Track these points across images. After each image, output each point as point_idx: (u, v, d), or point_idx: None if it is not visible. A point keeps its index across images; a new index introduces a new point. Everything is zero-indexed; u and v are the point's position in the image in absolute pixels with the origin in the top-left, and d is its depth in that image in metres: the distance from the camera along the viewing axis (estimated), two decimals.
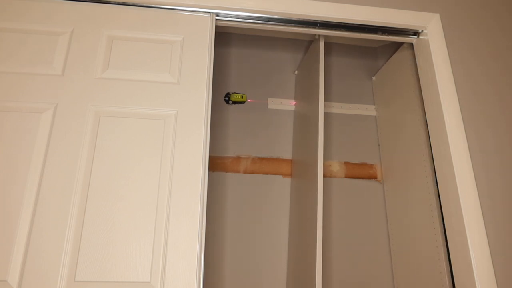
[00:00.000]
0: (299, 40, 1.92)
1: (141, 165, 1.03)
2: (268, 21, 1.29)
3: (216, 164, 1.67)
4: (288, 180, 1.71)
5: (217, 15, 1.26)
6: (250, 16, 1.27)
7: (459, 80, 1.27)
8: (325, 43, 1.96)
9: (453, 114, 1.22)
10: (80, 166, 1.00)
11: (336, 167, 1.75)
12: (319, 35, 1.54)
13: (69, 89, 1.08)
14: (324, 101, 1.85)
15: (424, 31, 1.34)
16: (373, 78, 1.93)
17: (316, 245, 1.21)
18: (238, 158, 1.71)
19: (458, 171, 1.14)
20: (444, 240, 1.21)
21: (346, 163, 1.77)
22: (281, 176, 1.72)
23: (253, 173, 1.70)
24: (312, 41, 1.68)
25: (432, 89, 1.29)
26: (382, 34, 1.37)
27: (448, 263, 1.18)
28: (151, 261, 0.94)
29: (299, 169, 1.61)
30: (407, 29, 1.35)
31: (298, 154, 1.66)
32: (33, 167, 0.98)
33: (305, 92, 1.66)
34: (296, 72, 1.89)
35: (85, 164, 1.01)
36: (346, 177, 1.75)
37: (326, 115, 1.84)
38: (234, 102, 1.78)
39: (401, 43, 1.58)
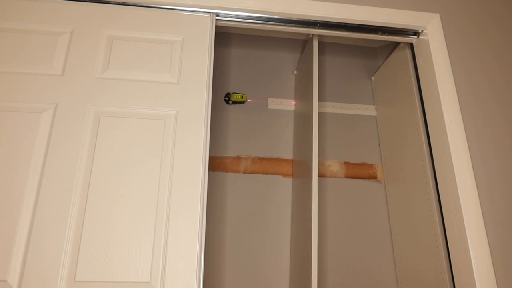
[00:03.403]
0: (297, 40, 1.92)
1: (141, 165, 1.03)
2: (268, 21, 1.29)
3: (216, 164, 1.67)
4: (288, 180, 1.71)
5: (217, 15, 1.26)
6: (250, 16, 1.27)
7: (459, 80, 1.27)
8: (325, 43, 1.97)
9: (453, 114, 1.22)
10: (80, 166, 1.00)
11: (336, 167, 1.75)
12: (312, 35, 1.53)
13: (69, 89, 1.08)
14: (324, 101, 1.86)
15: (424, 31, 1.34)
16: (372, 78, 1.93)
17: (311, 244, 1.21)
18: (238, 158, 1.71)
19: (458, 171, 1.14)
20: (445, 240, 1.21)
21: (346, 163, 1.77)
22: (281, 176, 1.71)
23: (253, 173, 1.69)
24: (307, 40, 1.67)
25: (432, 89, 1.29)
26: (382, 34, 1.37)
27: (448, 263, 1.18)
28: (151, 261, 0.94)
29: (299, 169, 1.61)
30: (407, 29, 1.35)
31: (298, 154, 1.66)
32: (33, 167, 0.98)
33: (303, 92, 1.66)
34: (295, 72, 1.89)
35: (85, 164, 1.01)
36: (346, 177, 1.75)
37: (326, 115, 1.84)
38: (234, 102, 1.78)
39: (398, 43, 1.58)
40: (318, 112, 1.77)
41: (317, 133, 1.35)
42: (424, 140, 1.36)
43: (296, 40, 1.92)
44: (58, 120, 1.04)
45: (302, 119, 1.62)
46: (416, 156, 1.42)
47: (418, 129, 1.41)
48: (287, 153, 1.76)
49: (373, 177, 1.76)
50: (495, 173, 1.17)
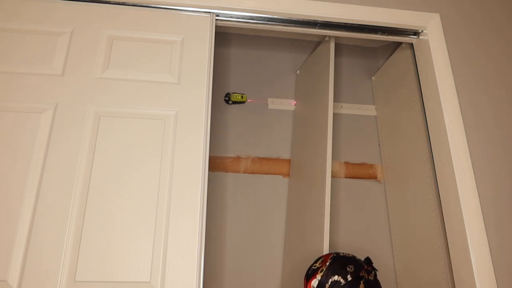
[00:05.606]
0: (300, 40, 1.92)
1: (141, 165, 1.03)
2: (268, 21, 1.29)
3: (216, 164, 1.67)
4: (288, 180, 1.71)
5: (217, 15, 1.26)
6: (250, 16, 1.27)
7: (459, 80, 1.27)
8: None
9: (453, 114, 1.22)
10: (80, 166, 1.00)
11: (336, 167, 1.75)
12: (329, 37, 1.53)
13: (69, 89, 1.08)
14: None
15: (424, 31, 1.34)
16: (373, 78, 1.93)
17: (323, 247, 1.21)
18: (238, 158, 1.70)
19: (458, 171, 1.14)
20: (445, 240, 1.21)
21: (346, 163, 1.77)
22: (281, 176, 1.71)
23: (253, 173, 1.69)
24: (320, 42, 1.68)
25: (432, 89, 1.29)
26: (382, 34, 1.37)
27: (449, 263, 1.18)
28: (151, 261, 0.94)
29: (298, 169, 1.61)
30: (407, 29, 1.35)
31: (298, 154, 1.66)
32: (33, 167, 0.98)
33: (308, 92, 1.66)
34: (297, 72, 1.89)
35: (85, 164, 1.01)
36: (346, 177, 1.75)
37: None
38: (234, 102, 1.78)
39: (400, 43, 1.58)
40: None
41: (331, 135, 1.35)
42: (424, 140, 1.36)
43: (297, 40, 1.92)
44: (58, 120, 1.04)
45: (306, 120, 1.62)
46: (416, 156, 1.42)
47: (419, 129, 1.41)
48: (287, 153, 1.76)
49: (373, 177, 1.76)
50: (495, 173, 1.17)
